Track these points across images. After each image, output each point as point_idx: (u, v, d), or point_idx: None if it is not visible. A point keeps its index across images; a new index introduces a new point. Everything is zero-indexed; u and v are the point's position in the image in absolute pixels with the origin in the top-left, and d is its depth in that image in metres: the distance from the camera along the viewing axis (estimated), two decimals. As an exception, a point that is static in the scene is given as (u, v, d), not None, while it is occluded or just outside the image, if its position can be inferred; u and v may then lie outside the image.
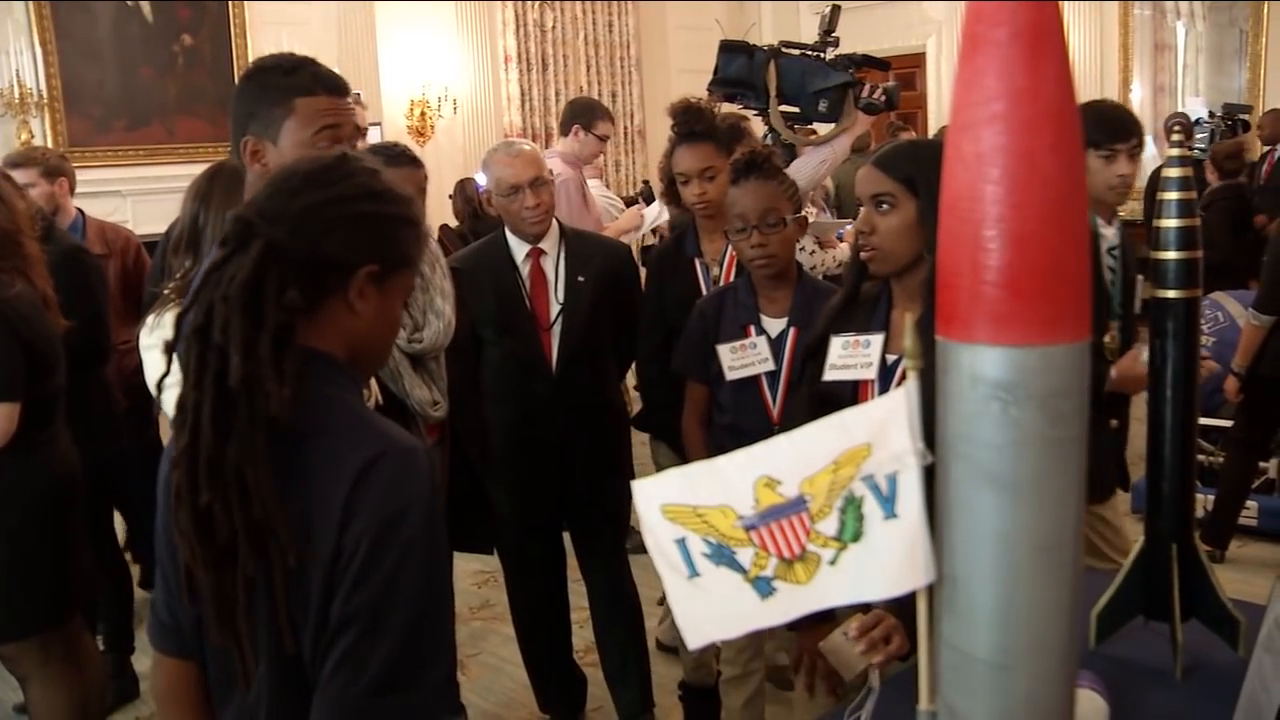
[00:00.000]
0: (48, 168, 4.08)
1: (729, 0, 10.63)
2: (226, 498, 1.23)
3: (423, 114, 8.90)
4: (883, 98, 3.34)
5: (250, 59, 8.18)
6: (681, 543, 0.94)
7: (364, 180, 1.38)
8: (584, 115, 5.02)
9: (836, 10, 3.42)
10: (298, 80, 1.94)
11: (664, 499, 0.96)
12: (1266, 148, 7.67)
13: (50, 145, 7.14)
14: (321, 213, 1.33)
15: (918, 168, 1.91)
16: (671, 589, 0.95)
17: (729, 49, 3.31)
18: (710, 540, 0.93)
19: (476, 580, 4.67)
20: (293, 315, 1.28)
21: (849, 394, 2.02)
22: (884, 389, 2.00)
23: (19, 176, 4.02)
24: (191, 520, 1.25)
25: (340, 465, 1.26)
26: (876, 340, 2.01)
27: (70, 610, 2.92)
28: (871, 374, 2.00)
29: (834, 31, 3.34)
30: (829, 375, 2.04)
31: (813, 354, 2.14)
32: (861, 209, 1.98)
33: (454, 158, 8.83)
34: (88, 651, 3.04)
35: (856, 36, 4.92)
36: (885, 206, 1.93)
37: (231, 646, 1.30)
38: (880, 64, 3.61)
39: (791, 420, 2.28)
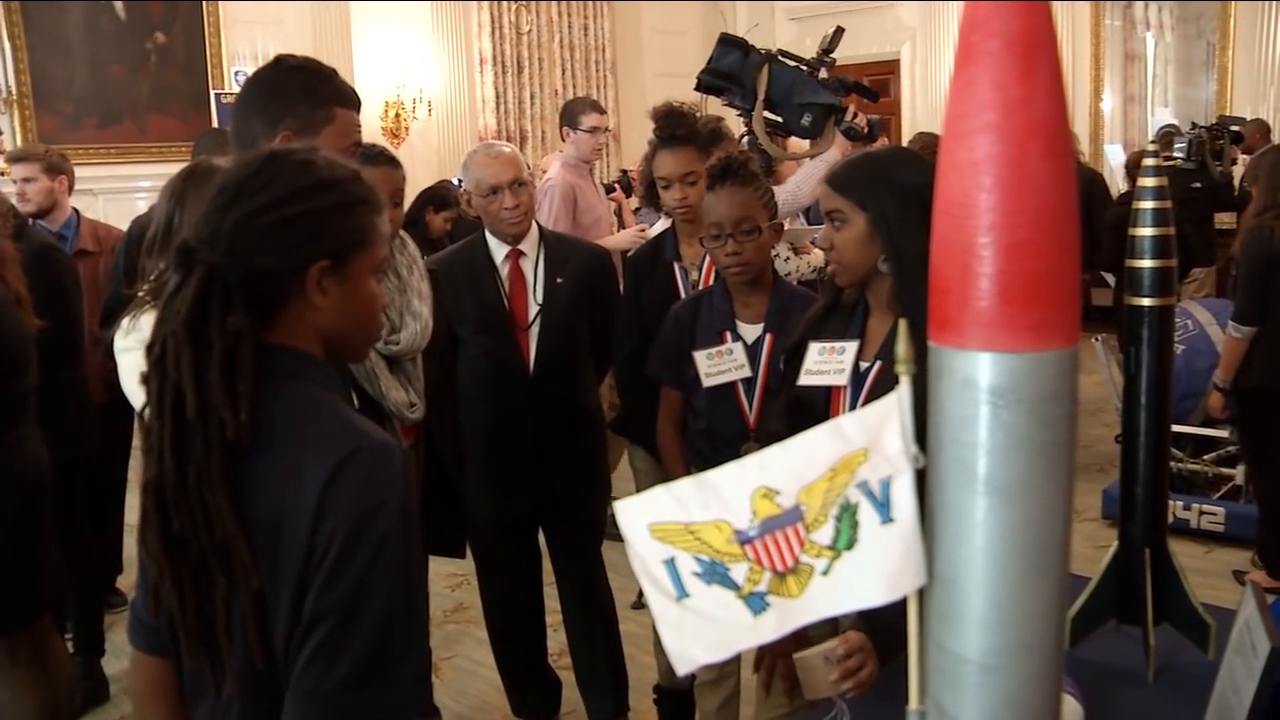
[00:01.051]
0: (49, 164, 4.19)
1: (705, 1, 10.67)
2: (193, 522, 1.26)
3: (397, 115, 8.88)
4: (865, 126, 3.38)
5: (224, 58, 8.15)
6: (670, 563, 0.93)
7: (290, 179, 1.36)
8: (568, 116, 5.09)
9: (839, 32, 3.46)
10: (339, 89, 2.00)
11: (651, 518, 0.94)
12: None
13: (20, 143, 7.08)
14: (250, 226, 1.32)
15: (864, 182, 1.98)
16: (659, 613, 0.92)
17: (727, 42, 3.32)
18: (702, 558, 0.91)
19: (450, 583, 4.66)
20: (239, 338, 1.29)
21: (821, 399, 2.07)
22: (855, 395, 2.04)
23: (20, 170, 4.08)
24: (161, 543, 1.29)
25: (314, 462, 1.27)
26: (850, 347, 2.05)
27: (38, 611, 2.89)
28: (844, 380, 2.04)
29: (833, 52, 3.37)
30: (804, 380, 2.08)
31: (791, 358, 2.17)
32: (824, 226, 2.05)
33: (428, 159, 8.81)
34: (57, 653, 3.01)
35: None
36: (838, 222, 2.00)
37: (203, 662, 1.33)
38: (870, 94, 3.66)
39: (768, 424, 2.30)
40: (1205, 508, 4.90)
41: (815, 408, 2.05)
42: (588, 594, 3.30)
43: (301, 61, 2.02)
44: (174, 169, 2.76)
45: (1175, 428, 4.92)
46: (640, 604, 4.23)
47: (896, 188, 1.95)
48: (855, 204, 1.97)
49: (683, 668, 0.93)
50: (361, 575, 1.25)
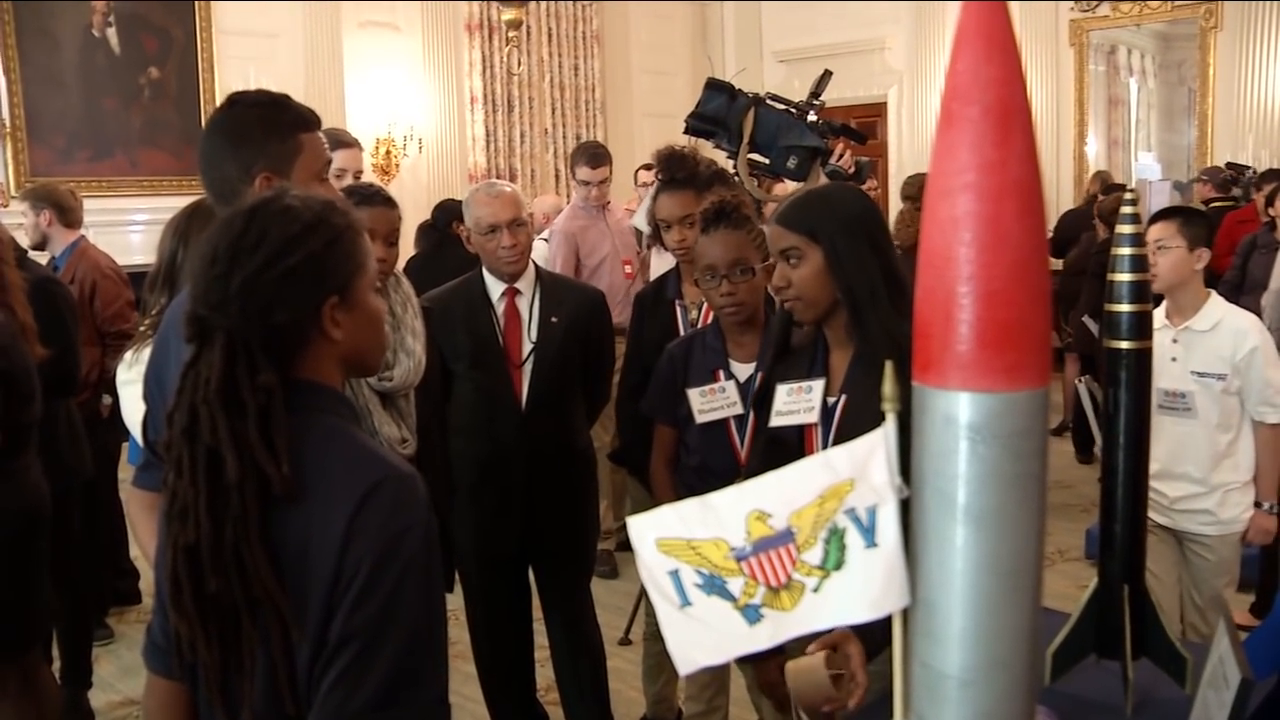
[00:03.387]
0: (34, 199, 4.40)
1: (693, 44, 10.82)
2: (229, 581, 1.31)
3: (388, 152, 8.96)
4: (851, 167, 3.43)
5: (216, 93, 8.21)
6: (675, 574, 1.03)
7: (280, 231, 1.39)
8: (570, 163, 5.26)
9: (827, 76, 3.51)
10: (299, 115, 1.99)
11: (659, 534, 1.04)
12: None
13: (13, 175, 7.14)
14: (257, 285, 1.36)
15: (816, 217, 2.05)
16: (664, 617, 1.03)
17: (713, 87, 3.40)
18: (703, 571, 1.01)
19: (438, 618, 4.67)
20: (271, 394, 1.34)
21: (795, 437, 2.14)
22: (826, 431, 2.11)
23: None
24: (195, 604, 1.33)
25: (341, 491, 1.33)
26: (817, 385, 2.12)
27: (29, 643, 2.91)
28: (814, 418, 2.11)
29: (821, 95, 3.44)
30: (775, 421, 2.16)
31: (759, 402, 2.25)
32: (777, 265, 2.10)
33: (418, 197, 8.89)
34: (45, 686, 3.04)
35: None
36: (794, 259, 2.06)
37: (222, 704, 1.37)
38: (857, 136, 3.73)
39: (749, 463, 2.37)
40: None
41: (790, 446, 2.11)
42: (576, 630, 3.34)
43: (256, 96, 2.01)
44: (166, 203, 2.83)
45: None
46: (628, 640, 4.28)
47: (842, 219, 2.03)
48: (808, 238, 2.04)
49: (684, 668, 1.03)
50: (388, 599, 1.31)
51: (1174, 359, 3.27)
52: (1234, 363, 3.19)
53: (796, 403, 2.13)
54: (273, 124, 1.96)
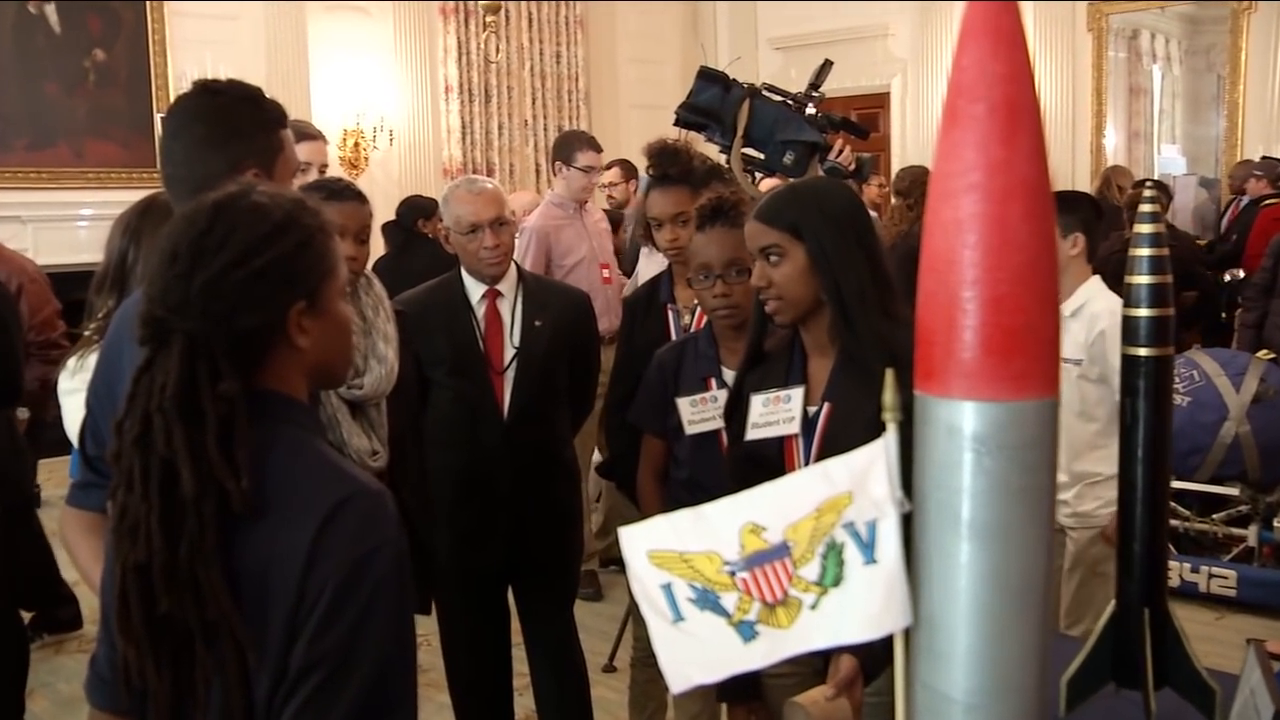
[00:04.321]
0: None
1: (684, 31, 10.84)
2: (182, 603, 1.30)
3: (356, 145, 8.97)
4: (851, 164, 3.45)
5: (170, 79, 8.13)
6: (667, 588, 1.06)
7: (249, 229, 1.40)
8: (562, 150, 5.23)
9: (827, 65, 3.52)
10: (276, 110, 2.01)
11: (650, 545, 1.07)
12: (1232, 198, 7.99)
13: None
14: (223, 286, 1.36)
15: (799, 212, 2.08)
16: (656, 633, 1.06)
17: (706, 76, 3.41)
18: (696, 585, 1.04)
19: (409, 645, 4.67)
20: (233, 403, 1.34)
21: (775, 451, 2.15)
22: (808, 442, 2.13)
23: None
24: (145, 627, 1.33)
25: (305, 509, 1.34)
26: (797, 394, 2.14)
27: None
28: (794, 428, 2.13)
29: (820, 87, 3.46)
30: (752, 434, 2.17)
31: (731, 414, 2.26)
32: (755, 264, 2.13)
33: (389, 191, 8.89)
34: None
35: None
36: (775, 258, 2.08)
37: None
38: (859, 130, 3.75)
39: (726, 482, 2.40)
40: (1215, 570, 4.92)
41: (769, 461, 2.11)
42: (559, 657, 3.36)
43: (236, 86, 2.02)
44: (114, 196, 2.82)
45: (1180, 484, 5.01)
46: (613, 666, 4.29)
47: (829, 216, 2.05)
48: (791, 235, 2.06)
49: (677, 686, 1.06)
50: (354, 625, 1.31)
51: None
52: (1087, 348, 3.23)
53: (774, 413, 2.14)
54: (258, 117, 1.98)
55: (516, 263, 3.27)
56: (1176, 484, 4.25)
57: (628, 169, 6.54)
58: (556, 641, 3.36)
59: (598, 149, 5.35)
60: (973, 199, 0.88)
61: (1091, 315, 3.25)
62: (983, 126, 0.88)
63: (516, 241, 5.29)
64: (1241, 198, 8.07)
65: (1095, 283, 3.33)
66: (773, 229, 2.08)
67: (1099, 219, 3.57)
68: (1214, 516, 5.26)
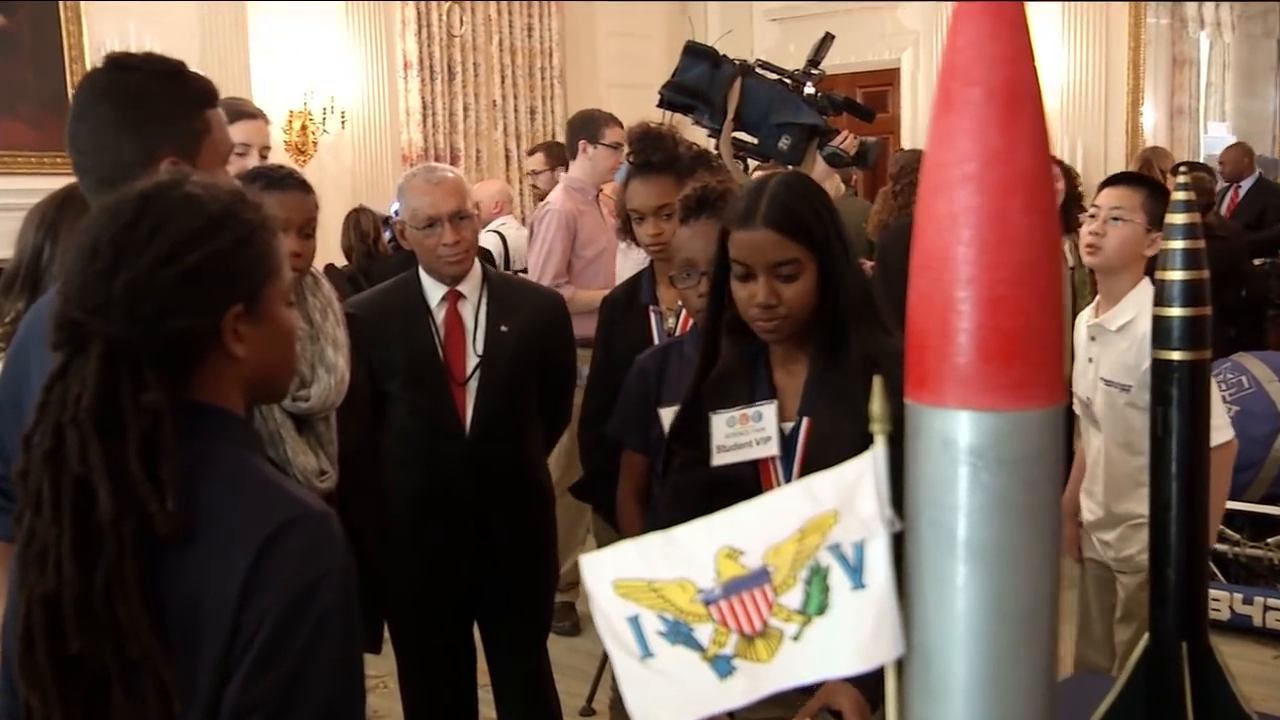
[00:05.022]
0: None
1: (669, 0, 10.81)
2: (97, 641, 1.30)
3: (304, 128, 8.93)
4: (854, 150, 3.47)
5: (86, 51, 8.02)
6: (634, 620, 1.07)
7: (180, 223, 1.39)
8: (587, 127, 5.24)
9: (829, 40, 3.52)
10: (204, 87, 2.01)
11: (616, 574, 1.08)
12: (1226, 186, 8.01)
13: None
14: (150, 286, 1.36)
15: (812, 220, 2.09)
16: (622, 672, 1.07)
17: (694, 52, 3.42)
18: (666, 617, 1.05)
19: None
20: (158, 416, 1.34)
21: (750, 475, 2.16)
22: (787, 463, 2.15)
23: None
24: (52, 669, 1.31)
25: (241, 534, 1.35)
26: (769, 410, 2.15)
27: None
28: (772, 449, 2.14)
29: (820, 63, 3.46)
30: (720, 459, 2.17)
31: (680, 437, 2.27)
32: (760, 279, 2.09)
33: (341, 180, 8.87)
34: None
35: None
36: (790, 275, 2.08)
37: None
38: (864, 113, 3.78)
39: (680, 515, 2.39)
40: (1271, 602, 4.90)
41: (745, 485, 2.09)
42: (531, 698, 3.38)
43: (151, 61, 2.00)
44: (22, 184, 2.79)
45: (1229, 504, 5.00)
46: (590, 709, 4.31)
47: (830, 221, 2.08)
48: (808, 250, 2.07)
49: None
50: (296, 663, 1.31)
51: (1090, 360, 3.32)
52: (1139, 374, 3.09)
53: (744, 434, 2.14)
54: (178, 97, 1.97)
55: (481, 261, 3.29)
56: (1228, 504, 4.21)
57: (555, 154, 6.47)
58: (527, 681, 3.38)
59: (622, 125, 5.34)
60: (968, 191, 0.91)
61: (1142, 336, 3.06)
62: (980, 112, 0.91)
63: (501, 238, 5.31)
64: (1240, 184, 8.07)
65: (1146, 290, 3.17)
66: (793, 243, 2.07)
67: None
68: (1268, 541, 5.23)
